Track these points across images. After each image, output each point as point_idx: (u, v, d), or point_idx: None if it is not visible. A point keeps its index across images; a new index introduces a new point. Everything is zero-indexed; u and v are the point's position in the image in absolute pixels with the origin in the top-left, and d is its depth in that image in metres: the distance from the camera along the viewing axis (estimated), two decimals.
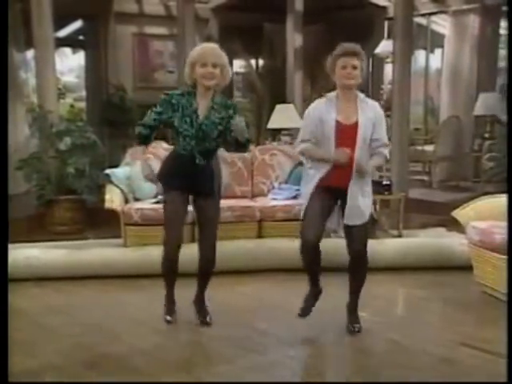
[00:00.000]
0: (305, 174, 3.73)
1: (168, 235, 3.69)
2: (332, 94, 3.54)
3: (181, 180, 3.64)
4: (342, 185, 3.47)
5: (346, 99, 3.49)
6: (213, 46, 3.62)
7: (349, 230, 3.57)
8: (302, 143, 3.57)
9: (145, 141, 3.73)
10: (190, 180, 3.63)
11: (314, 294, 3.73)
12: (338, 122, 3.45)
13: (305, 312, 3.71)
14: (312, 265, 3.63)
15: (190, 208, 3.80)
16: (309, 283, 3.70)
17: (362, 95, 3.54)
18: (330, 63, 3.49)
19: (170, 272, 3.78)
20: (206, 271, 3.82)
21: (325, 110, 3.48)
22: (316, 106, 3.56)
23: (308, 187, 3.56)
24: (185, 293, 3.89)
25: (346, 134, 3.43)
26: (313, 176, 3.55)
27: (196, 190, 3.69)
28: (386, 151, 3.57)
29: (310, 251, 3.54)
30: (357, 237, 3.56)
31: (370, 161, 3.52)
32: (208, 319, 3.82)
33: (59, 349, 3.56)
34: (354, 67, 3.43)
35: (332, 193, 3.52)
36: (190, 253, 3.84)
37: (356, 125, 3.44)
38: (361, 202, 3.52)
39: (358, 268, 3.62)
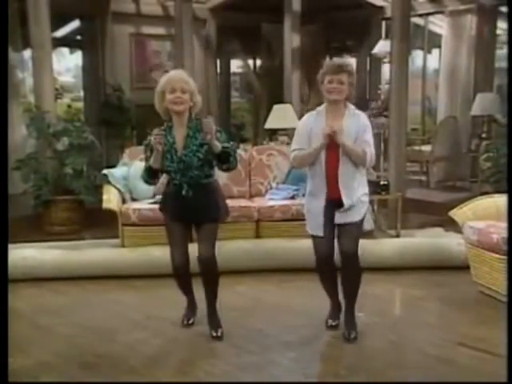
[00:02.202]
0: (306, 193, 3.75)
1: (172, 252, 3.72)
2: (321, 108, 3.63)
3: (178, 210, 3.64)
4: (335, 194, 3.53)
5: (333, 111, 3.56)
6: (180, 72, 3.67)
7: (339, 229, 3.61)
8: (295, 152, 3.63)
9: (153, 180, 3.70)
10: (187, 211, 3.62)
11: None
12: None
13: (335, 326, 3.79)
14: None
15: None
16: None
17: (352, 108, 3.60)
18: (320, 77, 3.57)
19: (182, 284, 3.84)
20: (210, 287, 3.76)
21: (314, 123, 3.57)
22: (307, 119, 3.67)
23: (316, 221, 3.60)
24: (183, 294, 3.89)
25: (334, 144, 3.49)
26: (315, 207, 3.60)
27: (193, 219, 3.70)
28: (367, 150, 3.53)
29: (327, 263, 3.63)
30: (350, 235, 3.57)
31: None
32: (219, 333, 3.72)
33: (56, 349, 3.56)
34: (341, 82, 3.47)
35: (332, 206, 3.57)
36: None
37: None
38: (355, 200, 3.54)
39: (349, 271, 3.62)
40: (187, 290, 3.89)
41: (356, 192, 3.56)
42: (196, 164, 3.56)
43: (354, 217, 3.56)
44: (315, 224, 3.62)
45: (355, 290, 3.66)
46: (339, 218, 3.56)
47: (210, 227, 3.68)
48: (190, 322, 3.88)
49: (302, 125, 3.66)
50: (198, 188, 3.60)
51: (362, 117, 3.60)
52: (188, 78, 3.60)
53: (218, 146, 3.47)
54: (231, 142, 3.61)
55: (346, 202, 3.52)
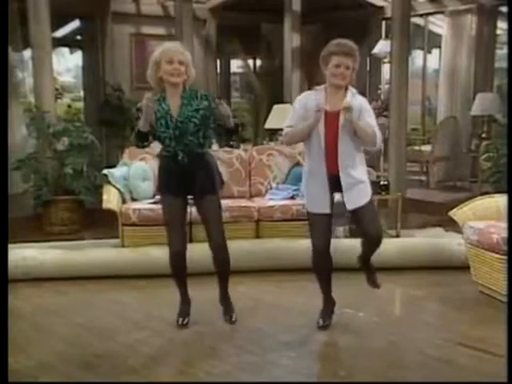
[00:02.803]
0: (304, 174, 3.70)
1: (170, 238, 3.71)
2: (321, 87, 3.56)
3: (173, 183, 3.63)
4: (334, 171, 3.47)
5: (334, 92, 3.50)
6: (177, 44, 3.67)
7: (356, 216, 3.57)
8: (288, 128, 3.57)
9: (143, 143, 3.66)
10: (182, 181, 3.61)
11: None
12: (326, 112, 3.45)
13: (325, 326, 3.77)
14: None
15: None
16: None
17: (354, 90, 3.54)
18: (324, 57, 3.48)
19: (178, 273, 3.80)
20: (222, 271, 3.83)
21: (313, 100, 3.51)
22: (304, 96, 3.61)
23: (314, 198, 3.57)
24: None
25: (333, 121, 3.44)
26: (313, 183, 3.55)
27: (191, 190, 3.67)
28: (375, 130, 3.48)
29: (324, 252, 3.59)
30: (368, 217, 3.53)
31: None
32: (234, 318, 3.86)
33: (56, 349, 3.56)
34: (347, 67, 3.43)
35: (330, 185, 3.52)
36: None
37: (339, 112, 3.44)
38: (359, 186, 3.51)
39: (375, 246, 3.64)
40: (182, 282, 3.84)
41: (356, 171, 3.50)
42: (191, 129, 3.56)
43: (362, 199, 3.52)
44: (315, 202, 3.55)
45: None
46: (349, 203, 3.51)
47: (212, 203, 3.68)
48: (185, 321, 3.82)
49: (298, 102, 3.59)
50: (193, 156, 3.59)
51: (364, 101, 3.56)
52: (184, 49, 3.60)
53: (231, 122, 3.52)
54: (236, 119, 3.61)
55: (343, 180, 3.47)
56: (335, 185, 3.51)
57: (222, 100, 3.56)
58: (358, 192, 3.51)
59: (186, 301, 3.89)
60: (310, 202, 3.60)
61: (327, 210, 3.56)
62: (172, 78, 3.53)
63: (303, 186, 3.71)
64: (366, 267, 3.80)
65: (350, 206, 3.52)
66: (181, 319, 3.83)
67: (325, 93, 3.52)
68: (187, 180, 3.61)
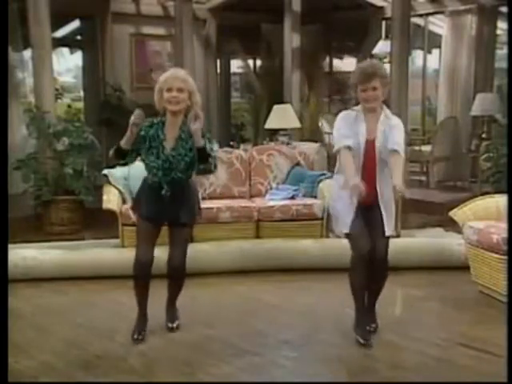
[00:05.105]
0: (334, 186, 3.73)
1: (138, 248, 3.68)
2: (358, 108, 3.58)
3: (152, 209, 3.61)
4: (369, 202, 3.50)
5: (371, 115, 3.53)
6: (179, 71, 3.59)
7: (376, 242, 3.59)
8: (343, 146, 3.50)
9: (121, 160, 3.56)
10: (161, 209, 3.59)
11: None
12: (366, 140, 3.51)
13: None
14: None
15: None
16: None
17: (387, 111, 3.57)
18: (352, 83, 3.51)
19: (140, 284, 3.67)
20: (174, 284, 3.77)
21: (354, 122, 3.53)
22: (346, 116, 3.58)
23: (347, 214, 3.56)
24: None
25: (370, 148, 3.50)
26: (347, 199, 3.54)
27: (167, 220, 3.66)
28: (398, 148, 3.47)
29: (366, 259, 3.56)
30: (381, 247, 3.58)
31: (396, 179, 3.43)
32: (175, 325, 3.79)
33: (55, 349, 3.56)
34: (375, 88, 3.44)
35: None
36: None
37: (375, 139, 3.50)
38: (389, 214, 3.58)
39: (381, 274, 3.65)
40: (144, 298, 3.70)
41: (391, 200, 3.58)
42: (182, 167, 3.53)
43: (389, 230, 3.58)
44: (346, 221, 3.56)
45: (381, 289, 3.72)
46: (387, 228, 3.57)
47: (183, 232, 3.66)
48: (141, 336, 3.64)
49: (341, 119, 3.58)
50: (178, 189, 3.56)
51: (395, 119, 3.58)
52: (186, 76, 3.53)
53: (200, 141, 3.42)
54: (215, 147, 3.57)
55: (383, 207, 3.52)
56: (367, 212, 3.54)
57: (198, 118, 3.42)
58: (389, 221, 3.58)
59: (143, 315, 3.73)
60: (342, 222, 3.61)
61: (356, 229, 3.56)
62: (170, 105, 3.48)
63: (334, 204, 3.72)
64: (369, 312, 3.75)
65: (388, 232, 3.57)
66: (136, 334, 3.65)
67: (363, 117, 3.53)
68: (166, 209, 3.58)
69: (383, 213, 3.54)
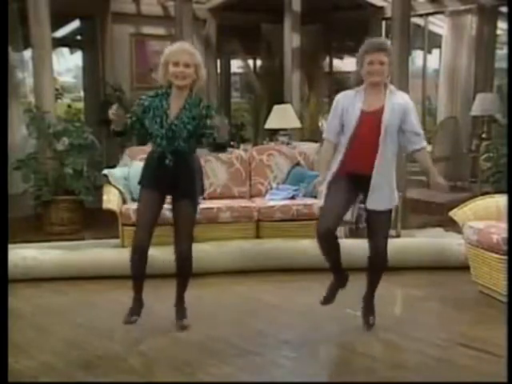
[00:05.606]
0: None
1: (136, 233, 3.66)
2: (360, 88, 3.55)
3: (154, 180, 3.62)
4: (364, 171, 3.46)
5: (373, 92, 3.49)
6: (185, 45, 3.61)
7: (369, 219, 3.55)
8: (324, 144, 3.60)
9: (119, 135, 3.69)
10: (164, 180, 3.59)
11: (338, 281, 3.70)
12: (362, 111, 3.46)
13: (327, 300, 3.70)
14: (330, 252, 3.60)
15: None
16: (331, 272, 3.69)
17: (392, 87, 3.53)
18: (358, 58, 3.48)
19: (136, 269, 3.66)
20: (182, 276, 3.76)
21: (351, 101, 3.50)
22: (343, 98, 3.57)
23: (328, 173, 3.56)
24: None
25: (369, 121, 3.44)
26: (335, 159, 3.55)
27: (171, 191, 3.65)
28: (423, 143, 3.51)
29: (326, 238, 3.51)
30: (379, 226, 3.54)
31: (429, 167, 3.52)
32: (185, 323, 3.77)
33: (55, 349, 3.56)
34: (381, 63, 3.40)
35: (353, 182, 3.50)
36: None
37: (381, 110, 3.43)
38: (385, 190, 3.51)
39: (380, 265, 3.64)
40: (140, 281, 3.69)
41: (390, 175, 3.52)
42: (184, 135, 3.53)
43: (382, 204, 3.51)
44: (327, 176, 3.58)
45: (379, 281, 3.71)
46: (370, 203, 3.50)
47: (186, 209, 3.62)
48: (133, 319, 3.66)
49: (336, 103, 3.57)
50: (181, 159, 3.57)
51: (405, 96, 3.54)
52: (193, 49, 3.55)
53: (216, 135, 3.50)
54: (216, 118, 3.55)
55: (374, 180, 3.44)
56: (362, 184, 3.50)
57: (220, 116, 3.52)
58: (382, 196, 3.51)
59: (138, 299, 3.72)
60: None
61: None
62: (176, 80, 3.49)
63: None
64: (367, 303, 3.75)
65: (370, 206, 3.51)
66: (130, 316, 3.67)
67: (364, 93, 3.50)
68: (169, 180, 3.59)
69: (372, 181, 3.45)
